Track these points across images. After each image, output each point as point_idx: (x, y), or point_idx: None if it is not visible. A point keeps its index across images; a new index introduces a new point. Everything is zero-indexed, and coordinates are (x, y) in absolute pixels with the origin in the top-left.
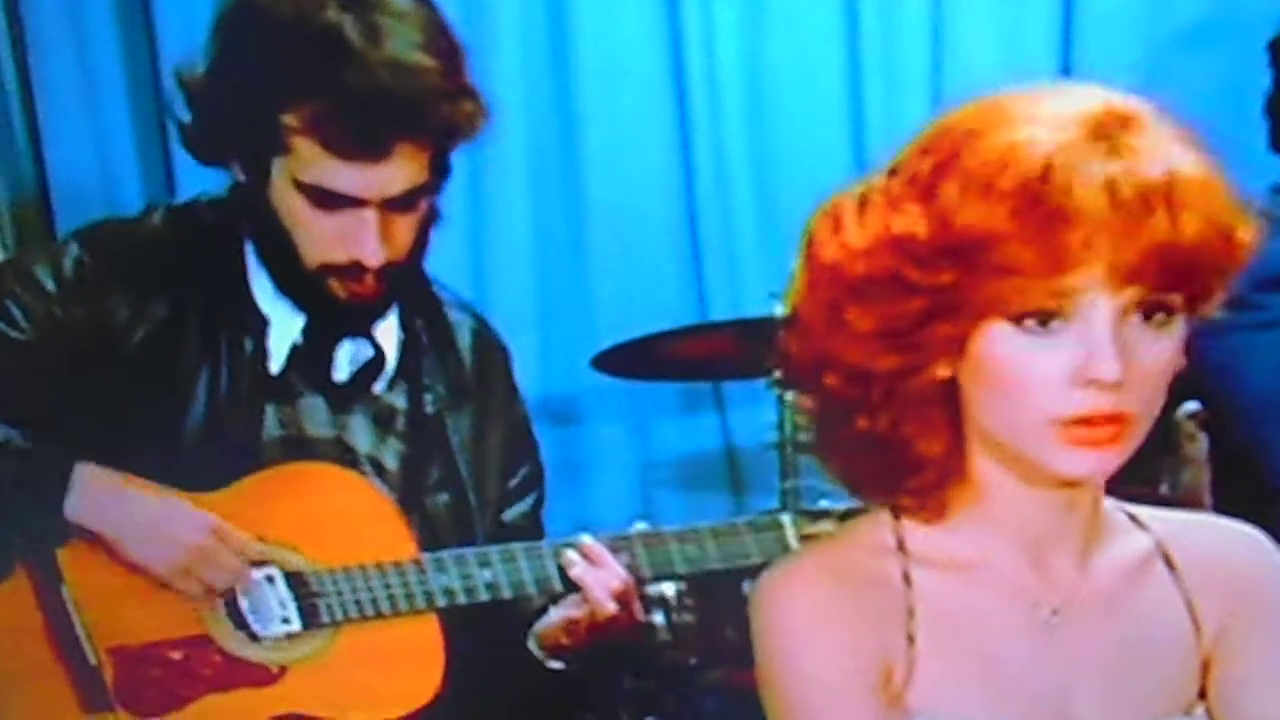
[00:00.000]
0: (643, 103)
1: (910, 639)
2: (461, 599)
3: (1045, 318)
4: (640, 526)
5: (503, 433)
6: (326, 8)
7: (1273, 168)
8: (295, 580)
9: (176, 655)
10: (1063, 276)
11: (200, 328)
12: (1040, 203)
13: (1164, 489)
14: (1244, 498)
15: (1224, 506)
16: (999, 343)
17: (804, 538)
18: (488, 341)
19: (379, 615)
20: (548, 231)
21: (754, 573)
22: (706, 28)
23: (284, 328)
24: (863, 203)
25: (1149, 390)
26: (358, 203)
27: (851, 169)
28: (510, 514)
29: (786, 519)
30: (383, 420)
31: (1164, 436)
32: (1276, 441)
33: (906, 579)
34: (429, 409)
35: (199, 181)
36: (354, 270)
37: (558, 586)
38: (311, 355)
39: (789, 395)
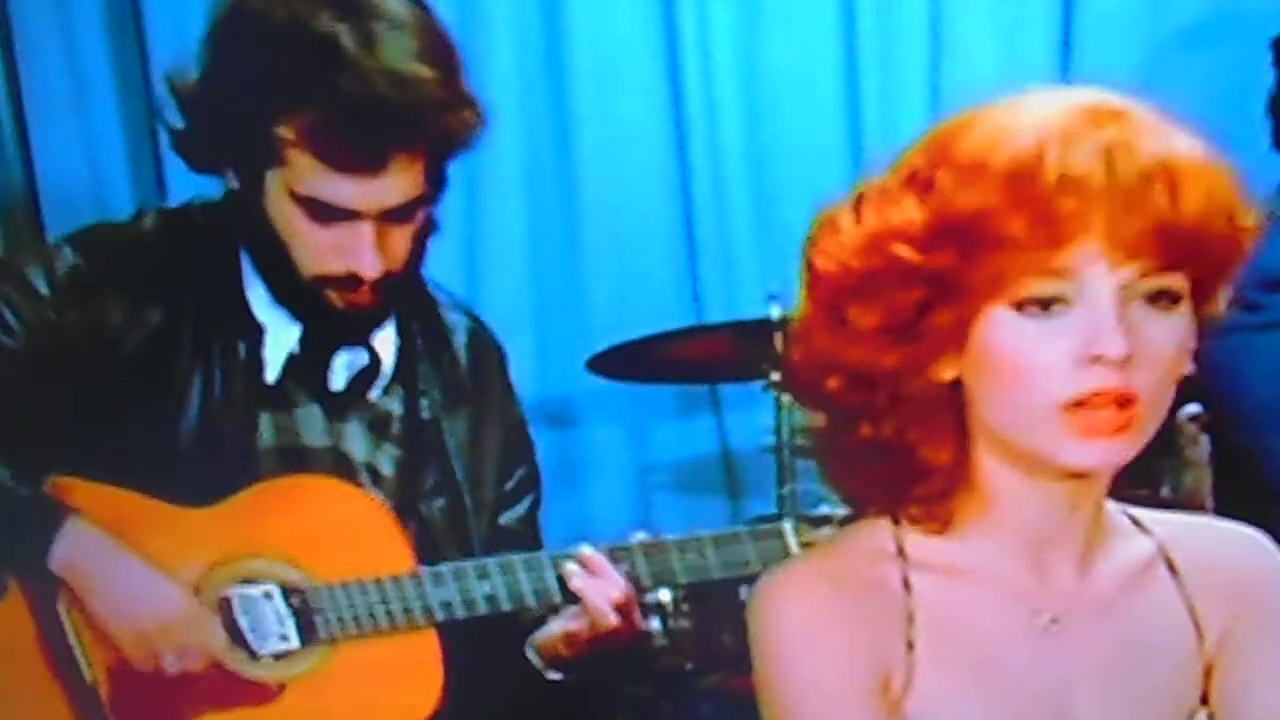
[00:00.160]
0: (638, 103)
1: (909, 645)
2: (460, 612)
3: (1047, 301)
4: (640, 536)
5: (499, 435)
6: (321, 16)
7: (1275, 167)
8: (293, 596)
9: (173, 673)
10: (1061, 250)
11: (194, 334)
12: (1034, 176)
13: (1166, 491)
14: (1246, 500)
15: (1226, 509)
16: (1001, 328)
17: (805, 545)
18: (484, 342)
19: (377, 630)
20: (543, 232)
21: (751, 579)
22: (702, 28)
23: (280, 337)
24: (858, 203)
25: (1157, 374)
26: (354, 215)
27: (848, 170)
28: (507, 517)
29: (787, 526)
30: (378, 426)
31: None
32: (1278, 444)
33: (906, 585)
34: (425, 414)
35: (190, 186)
36: (351, 282)
37: (557, 598)
38: (308, 365)
39: (786, 398)
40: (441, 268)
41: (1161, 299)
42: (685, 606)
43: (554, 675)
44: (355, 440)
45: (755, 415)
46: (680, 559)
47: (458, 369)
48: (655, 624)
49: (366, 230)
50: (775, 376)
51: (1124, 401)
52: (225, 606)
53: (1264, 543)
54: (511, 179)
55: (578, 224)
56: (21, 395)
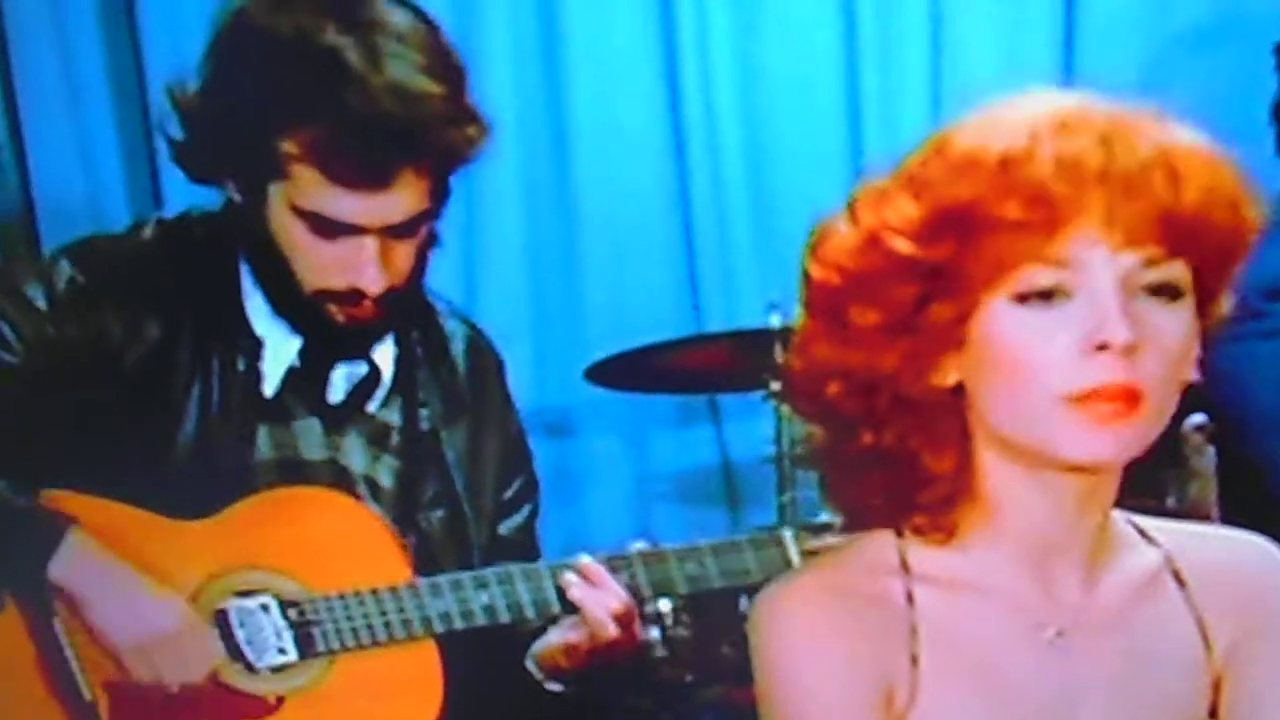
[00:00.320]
0: (636, 111)
1: (913, 659)
2: (458, 624)
3: (1047, 293)
4: (639, 545)
5: (498, 444)
6: (327, 30)
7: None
8: (290, 609)
9: (172, 689)
10: (1059, 234)
11: (193, 347)
12: (1028, 162)
13: (1171, 502)
14: (1252, 510)
15: (1232, 519)
16: (1002, 320)
17: (805, 553)
18: (482, 351)
19: (375, 642)
20: (541, 240)
21: (751, 589)
22: (700, 35)
23: (279, 350)
24: (854, 206)
25: (1163, 366)
26: (358, 230)
27: (848, 177)
28: (505, 527)
29: (787, 535)
30: (377, 438)
31: (1171, 449)
32: None
33: (909, 598)
34: (424, 425)
35: (187, 196)
36: (352, 297)
37: (556, 609)
38: (307, 378)
39: (786, 408)
40: (440, 276)
41: (1164, 292)
42: (685, 617)
43: (553, 686)
44: (354, 452)
45: (755, 425)
46: (680, 568)
47: (456, 378)
48: (655, 634)
49: (370, 246)
50: (775, 386)
51: (1129, 396)
52: (222, 619)
53: (1271, 551)
54: (510, 187)
55: (576, 232)
56: (19, 409)
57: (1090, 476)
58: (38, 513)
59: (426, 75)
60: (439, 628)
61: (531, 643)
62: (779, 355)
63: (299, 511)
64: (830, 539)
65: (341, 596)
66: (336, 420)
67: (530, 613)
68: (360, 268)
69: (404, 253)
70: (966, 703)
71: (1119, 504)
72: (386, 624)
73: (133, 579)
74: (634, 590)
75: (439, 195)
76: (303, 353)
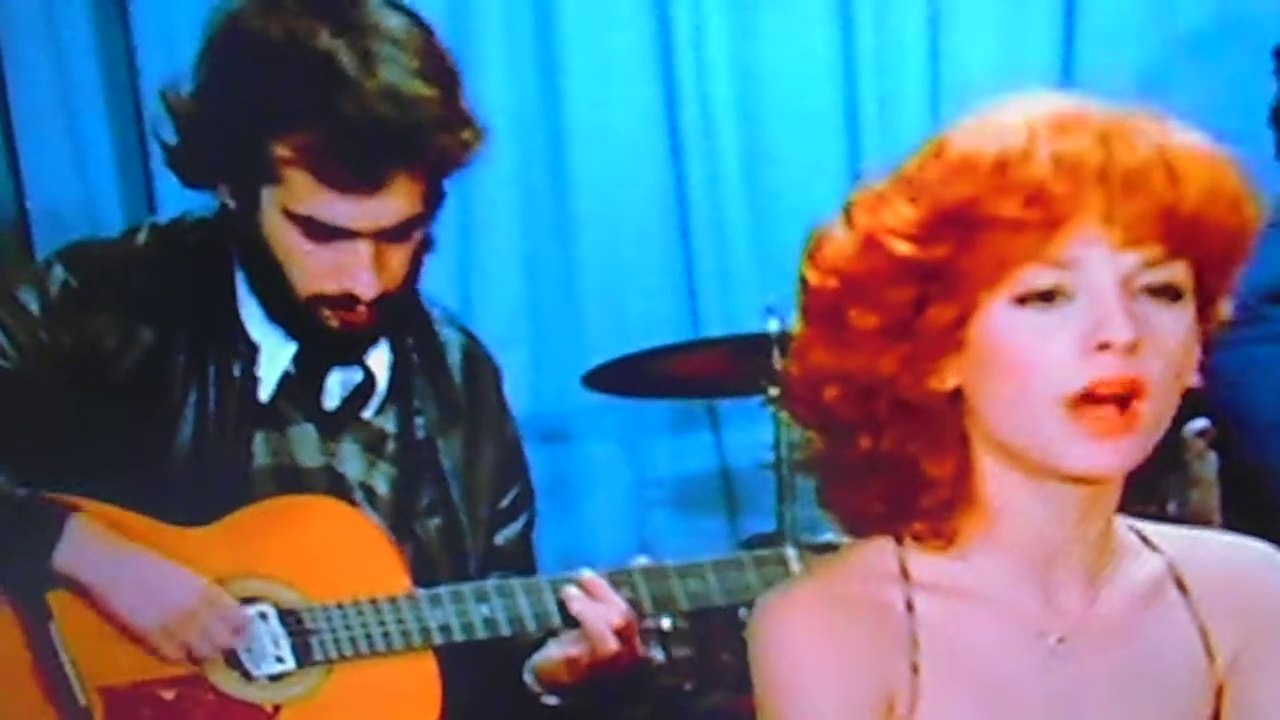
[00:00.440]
0: (633, 116)
1: (914, 669)
2: (458, 635)
3: (1048, 294)
4: (641, 560)
5: (494, 453)
6: (320, 34)
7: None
8: (288, 617)
9: (168, 695)
10: (1058, 232)
11: (188, 353)
12: (1026, 162)
13: (1172, 508)
14: (1255, 516)
15: (1234, 524)
16: (1001, 322)
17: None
18: (478, 359)
19: (374, 652)
20: (538, 246)
21: (754, 603)
22: (697, 38)
23: (274, 355)
24: (851, 210)
25: (1165, 365)
26: (351, 235)
27: (846, 182)
28: (501, 536)
29: (791, 553)
30: (373, 445)
31: (1172, 455)
32: None
33: (909, 607)
34: (420, 433)
35: (181, 201)
36: (346, 301)
37: (557, 622)
38: (302, 383)
39: (785, 413)
40: (436, 282)
41: (1165, 294)
42: (685, 626)
43: (552, 700)
44: (350, 460)
45: (754, 431)
46: (681, 585)
47: (452, 386)
48: (657, 653)
49: (364, 250)
50: (774, 391)
51: (1132, 391)
52: None
53: (1274, 557)
54: (506, 192)
55: (573, 237)
56: (13, 415)
57: (1091, 485)
58: (38, 502)
59: (420, 79)
60: (438, 639)
61: (530, 656)
62: (777, 360)
63: (298, 519)
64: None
65: (340, 606)
66: (332, 427)
67: (531, 625)
68: (354, 272)
69: (398, 257)
70: (967, 712)
71: (1120, 509)
72: (385, 634)
73: (142, 559)
74: (635, 605)
75: (433, 199)
76: (297, 358)
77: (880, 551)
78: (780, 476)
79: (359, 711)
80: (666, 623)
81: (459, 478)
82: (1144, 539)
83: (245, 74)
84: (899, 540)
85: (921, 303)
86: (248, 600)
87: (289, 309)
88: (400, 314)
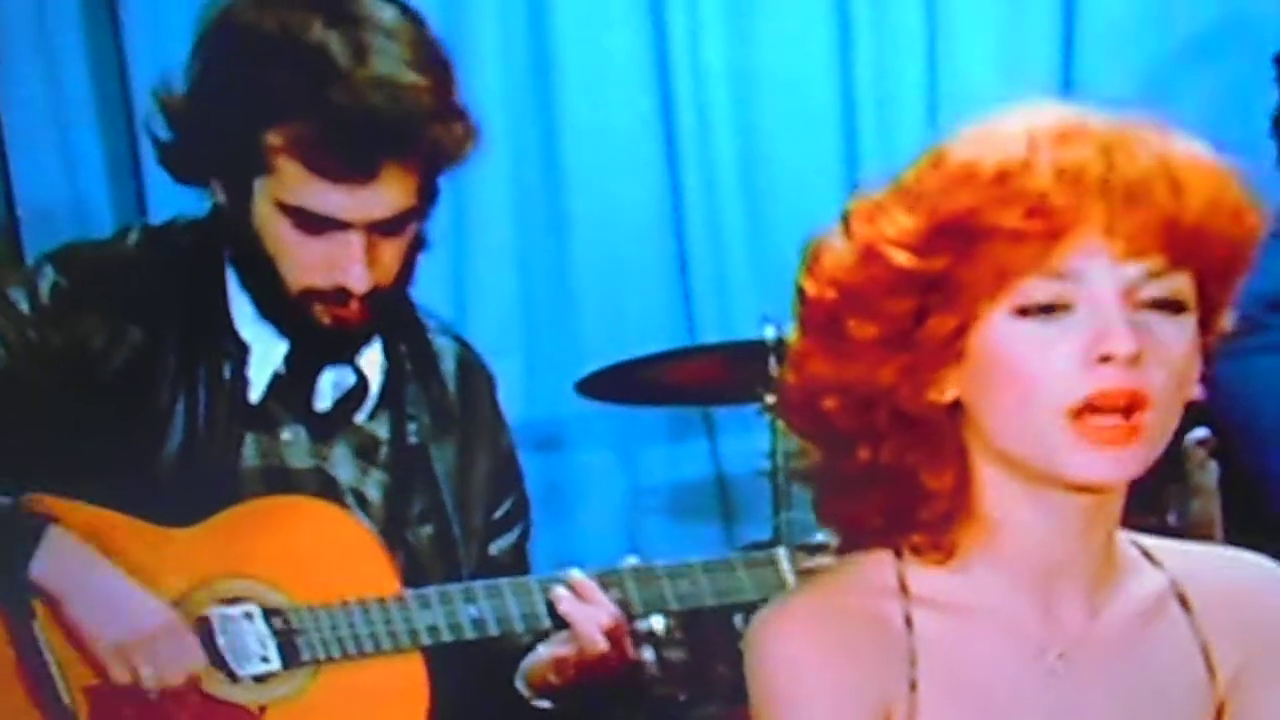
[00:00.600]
0: (629, 120)
1: (912, 685)
2: (446, 636)
3: (1049, 306)
4: (631, 561)
5: (488, 463)
6: (312, 25)
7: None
8: (275, 617)
9: (153, 695)
10: (1060, 243)
11: (178, 353)
12: (1027, 173)
13: (1172, 519)
14: (1256, 527)
15: (1236, 536)
16: (1003, 333)
17: (800, 573)
18: (472, 368)
19: (361, 653)
20: (532, 252)
21: (746, 607)
22: (693, 43)
23: (265, 355)
24: (849, 220)
25: (1168, 376)
26: (343, 226)
27: (843, 189)
28: (496, 547)
29: (782, 554)
30: (365, 451)
31: (1173, 464)
32: None
33: (908, 622)
34: (412, 439)
35: (171, 201)
36: (339, 296)
37: (546, 623)
38: (293, 383)
39: (781, 422)
40: (430, 288)
41: (1167, 307)
42: (679, 635)
43: (542, 704)
44: (341, 464)
45: (750, 439)
46: (672, 586)
47: (446, 395)
48: (649, 654)
49: (356, 242)
50: (770, 399)
51: (1134, 403)
52: (205, 627)
53: (1277, 573)
54: (500, 198)
55: (568, 243)
56: (3, 415)
57: (1093, 496)
58: (18, 511)
59: (413, 69)
60: (426, 640)
61: (520, 659)
62: (774, 368)
63: (285, 520)
64: (825, 559)
65: (327, 607)
66: (323, 429)
67: (519, 627)
68: (346, 265)
69: (391, 251)
70: None
71: (1120, 522)
72: (373, 635)
73: (113, 578)
74: (625, 607)
75: (426, 194)
76: (288, 358)
77: (879, 565)
78: (776, 484)
79: (346, 713)
80: (659, 625)
81: (452, 485)
82: (1146, 553)
83: (238, 66)
84: (897, 553)
85: (921, 313)
86: (233, 600)
87: (280, 305)
88: (392, 312)
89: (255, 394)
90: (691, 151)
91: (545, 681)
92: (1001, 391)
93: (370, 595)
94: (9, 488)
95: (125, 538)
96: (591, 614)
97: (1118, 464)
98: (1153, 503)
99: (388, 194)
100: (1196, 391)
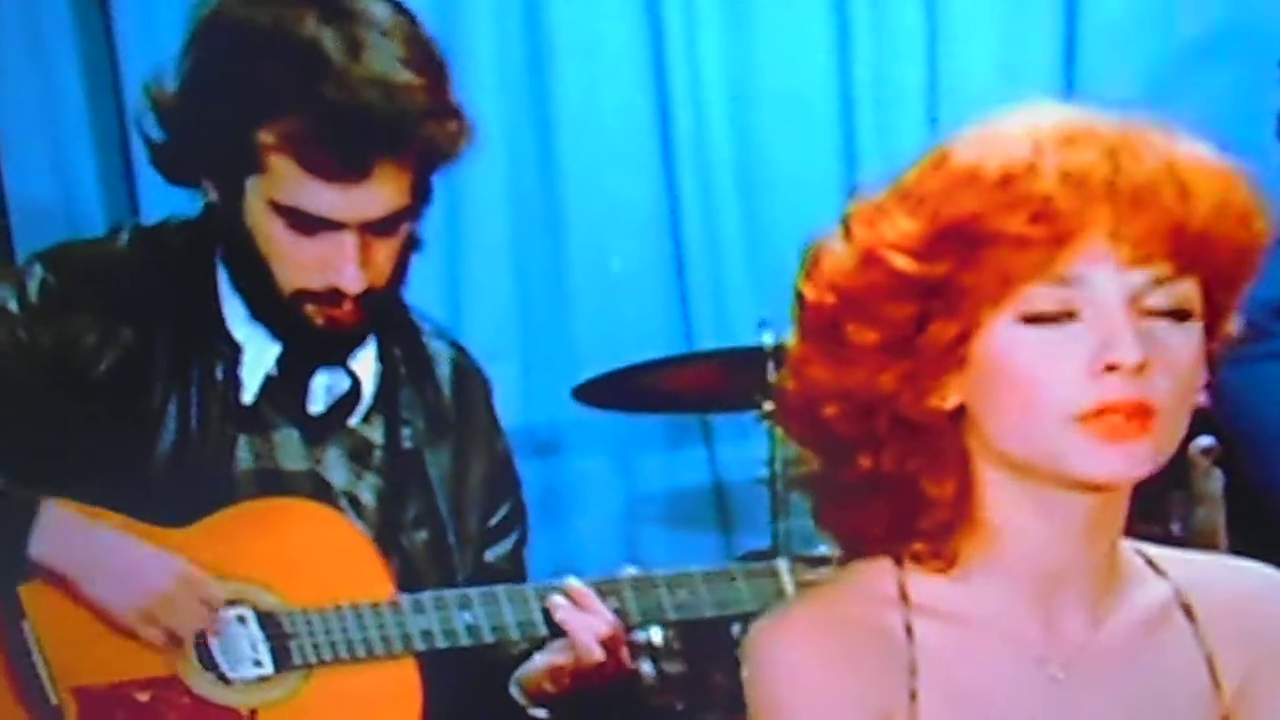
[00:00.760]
0: (625, 124)
1: (912, 695)
2: (440, 642)
3: (1054, 316)
4: (629, 571)
5: (484, 468)
6: (305, 20)
7: None
8: (267, 620)
9: (143, 696)
10: (1065, 249)
11: (170, 354)
12: (1031, 176)
13: (1176, 528)
14: (1261, 536)
15: (1241, 546)
16: (1007, 340)
17: (801, 585)
18: (468, 372)
19: (354, 658)
20: (528, 257)
21: (744, 617)
22: (690, 46)
23: (257, 356)
24: (849, 223)
25: (1174, 383)
26: (336, 226)
27: (842, 193)
28: (492, 554)
29: (782, 565)
30: (359, 455)
31: (1177, 473)
32: None
33: (909, 631)
34: (407, 443)
35: (163, 201)
36: (332, 296)
37: (541, 630)
38: (286, 385)
39: (780, 429)
40: (425, 292)
41: (1173, 315)
42: (677, 645)
43: (538, 713)
44: (335, 468)
45: (748, 446)
46: (670, 595)
47: (441, 399)
48: (646, 666)
49: (349, 242)
50: (768, 406)
51: (1140, 413)
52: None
53: None
54: (496, 202)
55: (564, 248)
56: None
57: (1098, 498)
58: (8, 492)
59: (407, 67)
60: (420, 645)
61: (516, 667)
62: (772, 374)
63: (278, 522)
64: (827, 572)
65: (320, 610)
66: (317, 432)
67: (515, 634)
68: (339, 266)
69: (384, 251)
70: None
71: (1124, 530)
72: (366, 639)
73: (118, 543)
74: (622, 616)
75: (420, 193)
76: (281, 359)
77: (879, 573)
78: (775, 493)
79: (338, 717)
80: (657, 636)
81: (447, 491)
82: (1150, 563)
83: (231, 63)
84: (898, 561)
85: (922, 319)
86: (226, 603)
87: (273, 306)
88: (386, 313)
89: (248, 395)
90: (688, 153)
91: (541, 690)
92: (1006, 399)
93: (364, 599)
94: None
95: None
96: (589, 623)
97: (1128, 459)
98: (1156, 512)
99: (382, 193)
100: (1202, 398)
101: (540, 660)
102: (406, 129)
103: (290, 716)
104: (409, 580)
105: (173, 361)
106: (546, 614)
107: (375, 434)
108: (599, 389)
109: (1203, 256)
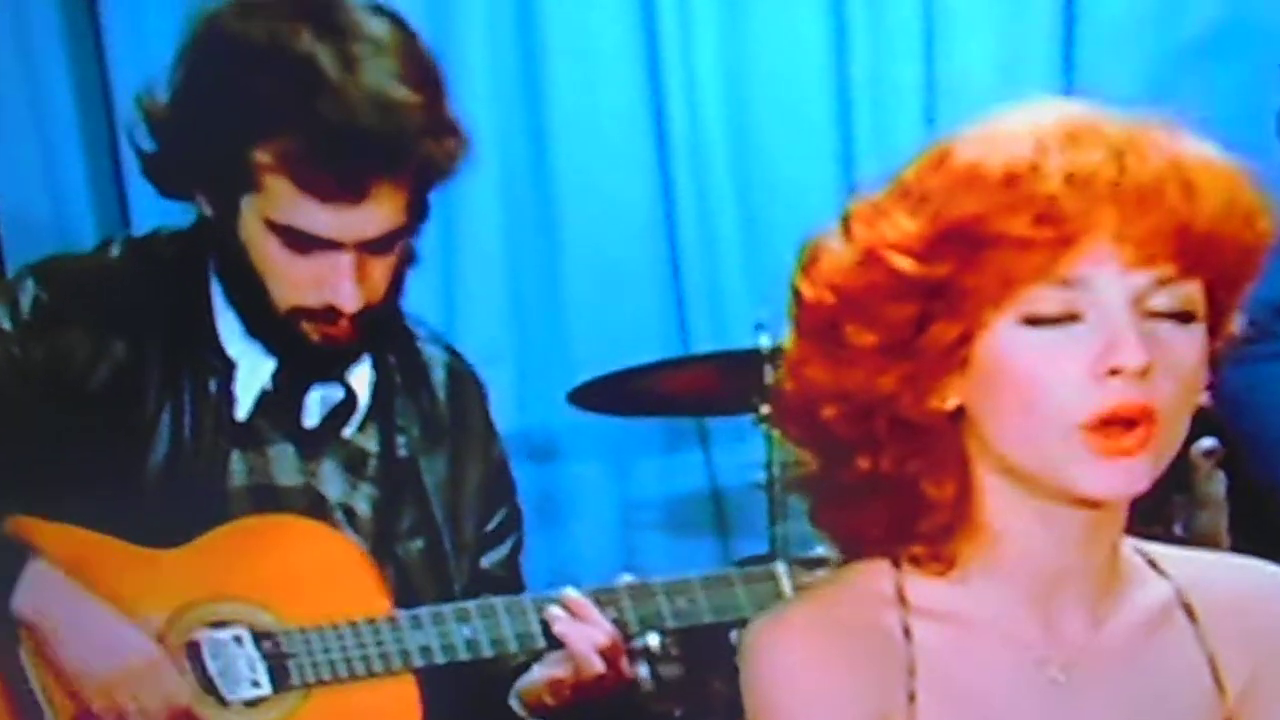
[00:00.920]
0: (620, 128)
1: (911, 697)
2: (439, 657)
3: (1057, 318)
4: (626, 579)
5: (479, 474)
6: (301, 35)
7: None
8: (264, 640)
9: None
10: (1069, 251)
11: (162, 369)
12: (1035, 177)
13: (1179, 530)
14: (1265, 538)
15: (1244, 546)
16: (1009, 342)
17: (800, 588)
18: (463, 378)
19: (353, 676)
20: (522, 260)
21: (743, 623)
22: (686, 47)
23: (252, 372)
24: (847, 222)
25: (1177, 386)
26: (333, 245)
27: (839, 196)
28: (488, 560)
29: (781, 569)
30: (354, 465)
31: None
32: None
33: (907, 633)
34: (402, 452)
35: (154, 213)
36: (328, 314)
37: (540, 643)
38: (281, 401)
39: (777, 432)
40: (419, 298)
41: (1176, 316)
42: (674, 651)
43: None
44: (330, 480)
45: (745, 450)
46: (668, 603)
47: (436, 405)
48: (644, 671)
49: (345, 261)
50: (765, 409)
51: (1143, 417)
52: (194, 651)
53: None
54: (490, 206)
55: (559, 251)
56: None
57: (1099, 508)
58: (1, 542)
59: (404, 83)
60: (418, 661)
61: (515, 679)
62: (769, 377)
63: (274, 540)
64: (825, 574)
65: (318, 628)
66: (312, 445)
67: (513, 647)
68: (335, 284)
69: (380, 269)
70: None
71: (1126, 532)
72: (364, 657)
73: (96, 611)
74: (621, 625)
75: (417, 211)
76: (276, 375)
77: (877, 575)
78: (772, 496)
79: None
80: (655, 642)
81: (442, 498)
82: (1152, 563)
83: (225, 77)
84: (896, 563)
85: (923, 320)
86: (222, 623)
87: (268, 322)
88: (382, 329)
89: (242, 411)
90: (684, 160)
91: (540, 702)
92: (1007, 401)
93: (361, 615)
94: None
95: (111, 561)
96: (587, 634)
97: (1127, 475)
98: (1158, 514)
99: (378, 213)
100: (1204, 399)
101: (540, 672)
102: (403, 148)
103: None
104: (405, 590)
105: (165, 375)
106: (545, 626)
107: (370, 443)
108: (594, 393)
109: (1207, 257)
